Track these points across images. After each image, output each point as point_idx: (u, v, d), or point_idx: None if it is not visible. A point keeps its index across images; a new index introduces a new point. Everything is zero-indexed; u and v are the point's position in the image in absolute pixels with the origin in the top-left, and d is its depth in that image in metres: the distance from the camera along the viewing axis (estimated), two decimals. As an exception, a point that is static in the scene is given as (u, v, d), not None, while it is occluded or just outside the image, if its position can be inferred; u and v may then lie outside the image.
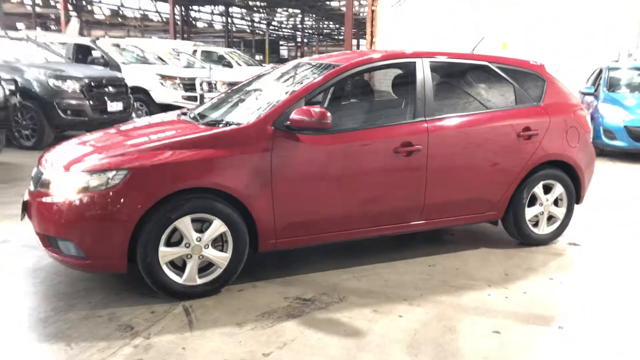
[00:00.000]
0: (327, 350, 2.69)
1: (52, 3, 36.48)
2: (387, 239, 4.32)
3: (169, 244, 3.13)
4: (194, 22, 44.78)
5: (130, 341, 2.73)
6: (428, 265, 3.83)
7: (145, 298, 3.18)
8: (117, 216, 2.97)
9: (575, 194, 4.35)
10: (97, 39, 12.45)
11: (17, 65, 8.52)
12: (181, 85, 10.75)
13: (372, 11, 14.79)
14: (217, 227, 3.18)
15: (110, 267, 3.08)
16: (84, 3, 33.64)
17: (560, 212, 4.31)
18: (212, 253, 3.20)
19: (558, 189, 4.24)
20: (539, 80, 4.30)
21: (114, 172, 3.00)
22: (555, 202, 4.31)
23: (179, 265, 3.20)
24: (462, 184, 3.88)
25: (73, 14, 21.04)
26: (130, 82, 10.41)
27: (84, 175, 3.02)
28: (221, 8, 36.80)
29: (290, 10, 37.77)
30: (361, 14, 34.80)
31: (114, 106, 8.85)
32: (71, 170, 3.10)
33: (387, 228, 3.74)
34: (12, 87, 7.19)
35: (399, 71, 4.06)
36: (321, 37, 45.52)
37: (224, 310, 3.08)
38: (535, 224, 4.26)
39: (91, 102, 8.54)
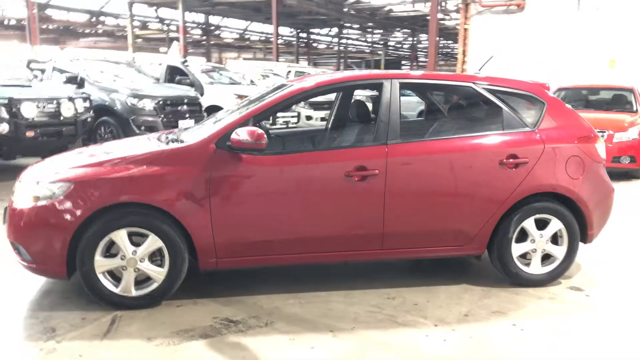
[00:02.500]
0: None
1: (189, 29, 39.90)
2: (366, 265, 4.14)
3: (108, 255, 3.29)
4: (313, 44, 46.34)
5: (43, 344, 2.91)
6: (387, 297, 3.60)
7: (89, 305, 3.36)
8: (57, 225, 3.20)
9: (579, 231, 3.84)
10: (223, 61, 13.39)
11: (105, 85, 9.47)
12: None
13: (465, 30, 14.28)
14: (153, 242, 3.28)
15: (53, 272, 3.31)
16: (212, 28, 36.31)
17: (558, 250, 3.82)
18: (148, 267, 3.31)
19: (555, 225, 3.77)
20: (537, 104, 3.89)
21: (59, 185, 3.23)
22: (556, 240, 3.84)
23: (118, 277, 3.34)
24: (429, 213, 3.61)
25: (177, 39, 22.81)
26: (209, 101, 11.08)
27: (35, 186, 3.29)
28: (336, 29, 37.68)
29: (402, 30, 37.61)
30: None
31: (185, 123, 9.45)
32: (27, 181, 3.39)
33: (341, 254, 3.59)
34: (87, 105, 8.00)
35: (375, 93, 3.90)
36: (440, 55, 44.72)
37: (147, 323, 3.16)
38: (530, 263, 3.83)
39: (164, 119, 9.21)
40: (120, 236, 3.24)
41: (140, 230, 3.27)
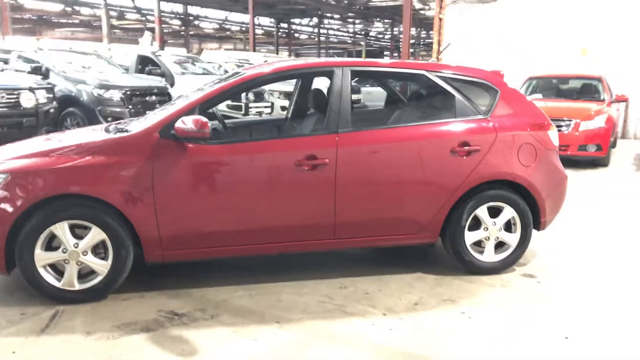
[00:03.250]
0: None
1: (167, 19, 39.30)
2: (322, 254, 4.10)
3: (49, 248, 3.20)
4: (295, 35, 46.07)
5: (-23, 340, 2.81)
6: (339, 287, 3.57)
7: (31, 300, 3.27)
8: None
9: (532, 219, 3.84)
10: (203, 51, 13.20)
11: (72, 76, 9.28)
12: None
13: (440, 19, 14.26)
14: (95, 234, 3.20)
15: None
16: (190, 18, 35.87)
17: (511, 238, 3.82)
18: (91, 260, 3.23)
19: (508, 213, 3.77)
20: (490, 91, 3.87)
21: None
22: (510, 228, 3.83)
23: (61, 270, 3.25)
24: (380, 202, 3.57)
25: (148, 29, 22.46)
26: (180, 92, 10.91)
27: None
28: (316, 20, 37.45)
29: (384, 20, 37.50)
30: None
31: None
32: None
33: (292, 245, 3.54)
34: (50, 95, 7.83)
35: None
36: (422, 46, 44.73)
37: (89, 317, 3.08)
38: (484, 251, 3.82)
39: (132, 110, 9.05)
40: (62, 229, 3.15)
41: (83, 223, 3.19)
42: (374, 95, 13.23)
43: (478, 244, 3.84)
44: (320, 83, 5.62)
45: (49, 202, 3.14)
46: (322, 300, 3.36)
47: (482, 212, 3.73)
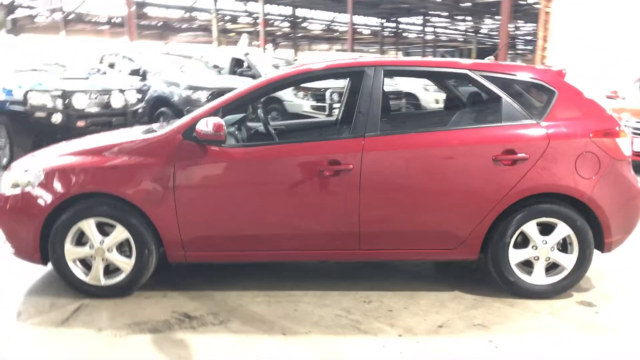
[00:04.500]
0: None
1: (276, 22, 40.51)
2: (357, 265, 3.90)
3: (79, 243, 3.33)
4: (403, 34, 45.44)
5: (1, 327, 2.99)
6: (363, 301, 3.36)
7: (64, 292, 3.42)
8: (29, 212, 3.29)
9: (593, 238, 3.35)
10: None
11: (166, 78, 9.82)
12: (312, 96, 11.02)
13: (546, 13, 13.22)
14: (120, 232, 3.28)
15: (30, 259, 3.40)
16: (298, 20, 36.72)
17: (567, 259, 3.36)
18: (115, 257, 3.32)
19: (562, 230, 3.32)
20: (545, 93, 3.44)
21: (33, 173, 3.32)
22: (566, 248, 3.39)
23: (90, 265, 3.38)
24: (411, 213, 3.31)
25: (245, 32, 23.11)
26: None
27: (16, 174, 3.40)
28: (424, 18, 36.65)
29: (496, 17, 35.68)
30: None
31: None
32: (14, 169, 3.50)
33: (314, 254, 3.40)
34: (139, 96, 8.31)
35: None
36: (525, 41, 42.15)
37: (107, 313, 3.17)
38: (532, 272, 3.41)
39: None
40: (89, 225, 3.27)
41: (109, 221, 3.28)
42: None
43: (529, 265, 3.43)
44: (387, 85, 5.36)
45: (79, 199, 3.27)
46: (339, 314, 3.18)
47: (530, 228, 3.32)
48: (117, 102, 7.72)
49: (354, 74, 3.44)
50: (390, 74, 3.47)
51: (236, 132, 3.76)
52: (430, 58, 3.51)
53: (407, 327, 3.03)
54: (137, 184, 3.24)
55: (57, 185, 3.25)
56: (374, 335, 2.94)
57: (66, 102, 7.21)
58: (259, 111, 4.09)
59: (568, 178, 3.27)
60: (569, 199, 3.32)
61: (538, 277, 3.38)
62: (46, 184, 3.27)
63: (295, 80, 3.53)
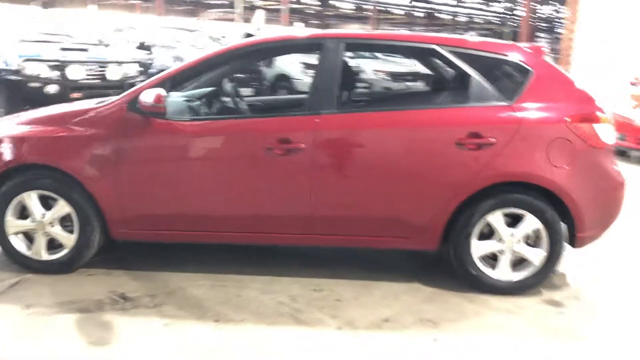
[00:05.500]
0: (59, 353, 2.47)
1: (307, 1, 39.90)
2: (318, 251, 3.71)
3: (23, 217, 3.22)
4: (435, 15, 44.39)
5: None
6: (313, 289, 3.17)
7: (8, 266, 3.32)
8: None
9: (564, 232, 3.08)
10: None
11: (175, 54, 9.69)
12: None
13: (575, -6, 12.57)
14: (62, 207, 3.16)
15: None
16: (327, -2, 36.16)
17: (535, 254, 3.10)
18: (57, 232, 3.20)
19: (530, 222, 3.06)
20: (520, 72, 3.14)
21: None
22: (536, 242, 3.12)
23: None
24: (366, 197, 3.09)
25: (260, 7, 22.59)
26: (278, 70, 10.91)
27: None
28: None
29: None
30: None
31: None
32: None
33: (264, 236, 3.21)
34: (141, 69, 8.20)
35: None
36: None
37: (43, 289, 3.06)
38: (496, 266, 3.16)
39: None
40: (30, 198, 3.15)
41: (50, 194, 3.16)
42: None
43: (495, 259, 3.18)
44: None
45: (22, 171, 3.15)
46: (283, 302, 3.00)
47: (495, 219, 3.07)
48: (113, 74, 7.62)
49: (312, 46, 3.20)
50: (351, 47, 3.22)
51: (200, 106, 3.55)
52: (397, 31, 3.20)
53: (350, 319, 2.84)
54: (78, 157, 3.10)
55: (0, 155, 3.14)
56: (311, 327, 2.75)
57: (61, 72, 7.14)
58: (229, 85, 3.90)
59: (538, 166, 2.99)
60: (539, 189, 3.04)
61: (503, 272, 3.14)
62: (-12, 154, 3.16)
63: (248, 52, 3.31)
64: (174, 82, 3.17)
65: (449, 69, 3.25)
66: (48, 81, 7.07)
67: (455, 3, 38.62)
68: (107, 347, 2.52)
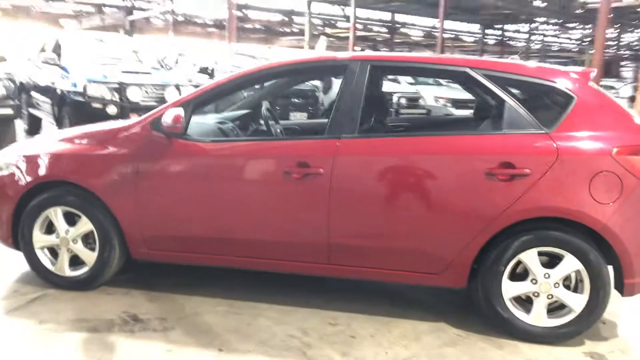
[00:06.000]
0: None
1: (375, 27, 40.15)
2: (343, 282, 3.53)
3: (49, 232, 3.28)
4: (508, 42, 43.30)
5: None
6: (328, 323, 3.00)
7: (33, 280, 3.37)
8: (4, 195, 3.28)
9: (609, 277, 2.76)
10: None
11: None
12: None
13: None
14: (84, 224, 3.19)
15: (4, 242, 3.39)
16: (397, 26, 36.16)
17: (575, 300, 2.79)
18: (79, 248, 3.23)
19: (569, 264, 2.76)
20: (561, 97, 2.88)
21: (9, 159, 3.32)
22: (578, 286, 2.82)
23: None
24: (387, 227, 2.91)
25: (323, 35, 22.67)
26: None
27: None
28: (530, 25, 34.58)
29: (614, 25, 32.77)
30: None
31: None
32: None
33: (281, 264, 3.09)
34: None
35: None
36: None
37: (60, 306, 3.08)
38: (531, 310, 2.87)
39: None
40: (55, 214, 3.21)
41: (73, 211, 3.20)
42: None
43: (530, 301, 2.89)
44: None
45: (49, 187, 3.22)
46: (293, 335, 2.85)
47: (528, 257, 2.79)
48: (172, 97, 7.84)
49: (337, 68, 3.09)
50: (377, 69, 3.08)
51: (224, 128, 3.53)
52: (426, 53, 3.04)
53: (363, 358, 2.64)
54: (101, 175, 3.13)
55: (29, 171, 3.22)
56: (315, 365, 2.58)
57: (121, 94, 7.42)
58: (263, 107, 3.85)
59: (579, 201, 2.71)
60: (582, 227, 2.74)
61: (537, 317, 2.84)
62: (20, 169, 3.25)
63: (269, 74, 3.26)
64: (199, 102, 3.15)
65: (484, 95, 3.03)
66: (109, 102, 7.36)
67: (527, 30, 37.48)
68: (104, 371, 2.47)
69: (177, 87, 8.00)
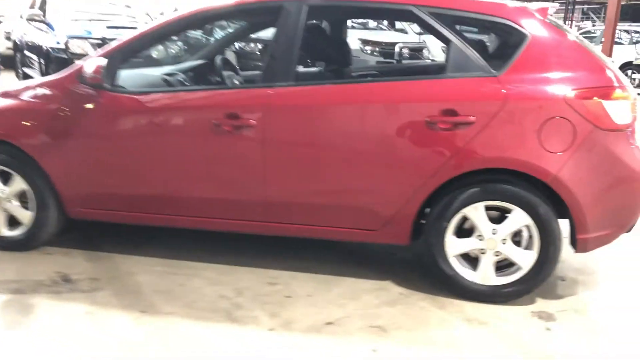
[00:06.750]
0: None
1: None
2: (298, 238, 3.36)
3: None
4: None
5: None
6: (267, 282, 2.86)
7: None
8: None
9: (560, 232, 2.55)
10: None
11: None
12: (380, 51, 10.07)
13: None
14: (18, 182, 3.07)
15: None
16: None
17: (523, 256, 2.59)
18: (14, 208, 3.12)
19: (518, 218, 2.55)
20: (513, 36, 2.60)
21: None
22: (529, 242, 2.61)
23: None
24: (325, 182, 2.72)
25: None
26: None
27: None
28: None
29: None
30: None
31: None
32: None
33: (217, 222, 2.93)
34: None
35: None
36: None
37: (-7, 267, 2.99)
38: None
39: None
40: (-8, 173, 3.09)
41: (8, 170, 3.07)
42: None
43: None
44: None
45: None
46: (225, 295, 2.72)
47: (474, 212, 2.58)
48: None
49: (270, 10, 2.83)
50: (316, 10, 2.82)
51: (178, 80, 3.31)
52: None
53: (289, 320, 2.50)
54: (31, 132, 2.99)
55: None
56: (241, 326, 2.45)
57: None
58: (216, 58, 3.62)
59: (527, 151, 2.47)
60: (531, 178, 2.51)
61: (484, 276, 2.65)
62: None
63: (196, 20, 3.02)
64: (126, 52, 2.95)
65: (431, 35, 2.76)
66: (91, 58, 7.18)
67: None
68: (15, 332, 2.37)
69: (162, 41, 7.76)
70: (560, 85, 2.47)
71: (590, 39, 15.82)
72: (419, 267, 2.99)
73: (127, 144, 2.88)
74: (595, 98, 2.44)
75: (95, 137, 2.92)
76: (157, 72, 3.35)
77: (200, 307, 2.61)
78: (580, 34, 16.76)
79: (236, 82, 3.13)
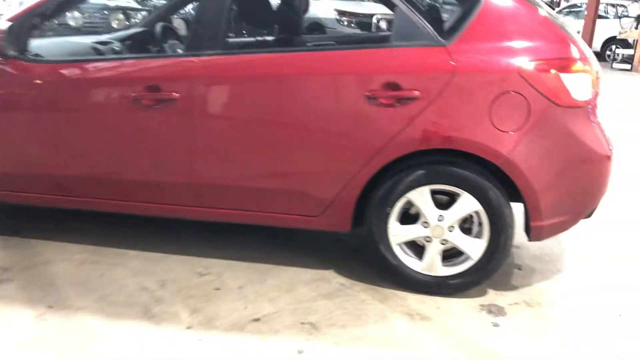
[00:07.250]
0: None
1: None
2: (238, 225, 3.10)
3: None
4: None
5: None
6: (197, 273, 2.62)
7: None
8: None
9: (512, 219, 2.32)
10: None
11: None
12: (357, 23, 9.73)
13: None
14: None
15: None
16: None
17: (472, 245, 2.36)
18: None
19: (466, 204, 2.31)
20: (464, 1, 2.33)
21: None
22: (480, 230, 2.38)
23: None
24: (257, 163, 2.46)
25: None
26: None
27: None
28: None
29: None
30: None
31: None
32: None
33: (140, 206, 2.66)
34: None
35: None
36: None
37: None
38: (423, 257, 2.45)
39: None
40: None
41: None
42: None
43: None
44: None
45: None
46: (147, 288, 2.47)
47: (419, 197, 2.34)
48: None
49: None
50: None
51: (111, 49, 3.01)
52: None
53: (212, 316, 2.26)
54: None
55: None
56: (156, 324, 2.21)
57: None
58: (157, 26, 3.31)
59: (476, 130, 2.22)
60: (480, 160, 2.27)
61: (429, 265, 2.42)
62: None
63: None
64: (36, 16, 2.63)
65: (379, 2, 2.49)
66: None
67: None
68: None
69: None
70: (514, 57, 2.21)
71: (576, 13, 15.56)
72: (364, 255, 2.75)
73: (38, 119, 2.59)
74: (552, 71, 2.19)
75: (7, 110, 2.62)
76: (88, 41, 3.03)
77: (116, 301, 2.36)
78: (567, 7, 16.49)
79: (173, 52, 2.84)
